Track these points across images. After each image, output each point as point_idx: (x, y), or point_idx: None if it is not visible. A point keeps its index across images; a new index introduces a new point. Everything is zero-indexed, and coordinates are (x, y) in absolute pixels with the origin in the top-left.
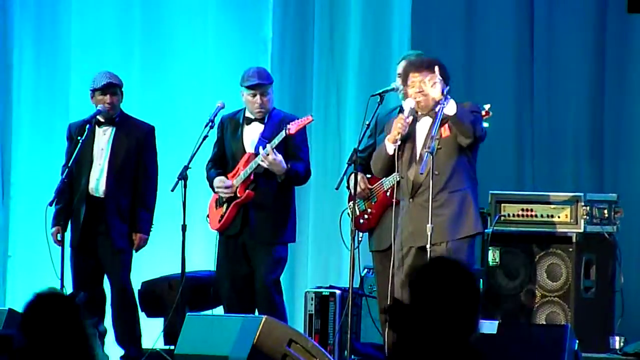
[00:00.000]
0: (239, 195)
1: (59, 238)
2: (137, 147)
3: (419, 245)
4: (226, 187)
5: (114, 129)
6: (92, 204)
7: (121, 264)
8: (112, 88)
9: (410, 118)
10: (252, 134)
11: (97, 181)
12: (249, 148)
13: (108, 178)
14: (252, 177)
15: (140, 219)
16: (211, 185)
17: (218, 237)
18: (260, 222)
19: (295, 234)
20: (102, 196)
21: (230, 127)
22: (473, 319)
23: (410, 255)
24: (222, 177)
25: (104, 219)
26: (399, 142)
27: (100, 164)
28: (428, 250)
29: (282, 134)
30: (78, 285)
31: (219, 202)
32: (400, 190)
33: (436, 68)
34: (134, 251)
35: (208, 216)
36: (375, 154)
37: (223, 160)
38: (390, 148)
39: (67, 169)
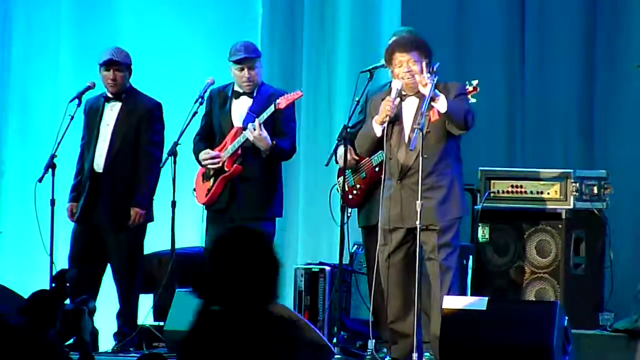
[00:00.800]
0: (226, 169)
1: (73, 212)
2: (138, 122)
3: (408, 226)
4: (212, 158)
5: (121, 104)
6: (94, 179)
7: (118, 241)
8: (114, 65)
9: (398, 99)
10: (240, 107)
11: (100, 157)
12: (237, 122)
13: (108, 153)
14: (239, 151)
15: (137, 194)
16: (197, 160)
17: (205, 211)
18: (247, 197)
19: (282, 208)
20: (102, 171)
21: (218, 101)
22: (271, 287)
23: (397, 234)
24: (207, 150)
25: (103, 194)
26: (386, 124)
27: (105, 140)
28: (418, 228)
29: (271, 108)
30: (73, 260)
31: (205, 176)
32: (387, 170)
33: (424, 65)
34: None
35: (194, 190)
36: (360, 134)
37: (211, 133)
38: (378, 130)
39: (80, 146)
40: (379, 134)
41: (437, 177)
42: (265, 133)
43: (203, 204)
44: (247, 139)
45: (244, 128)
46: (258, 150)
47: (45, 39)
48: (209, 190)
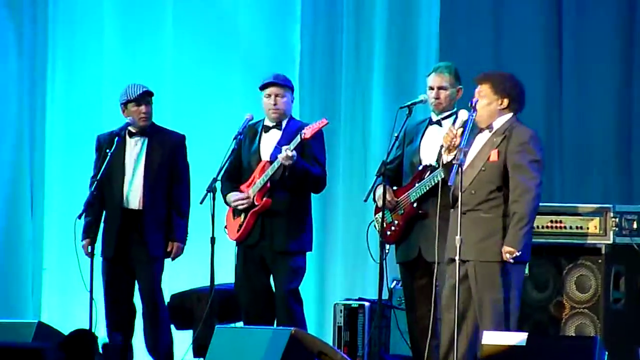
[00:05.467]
0: (256, 203)
1: (89, 250)
2: (170, 156)
3: (450, 257)
4: (243, 199)
5: (146, 139)
6: (127, 215)
7: (154, 273)
8: (148, 97)
9: (460, 129)
10: (269, 142)
11: (131, 192)
12: (265, 156)
13: (145, 189)
14: (268, 184)
15: (176, 227)
16: (225, 201)
17: (236, 247)
18: (277, 232)
19: (312, 243)
20: (138, 208)
21: (249, 135)
22: None
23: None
24: (235, 192)
25: (140, 229)
26: (453, 152)
27: (134, 175)
28: (457, 261)
29: (298, 138)
30: (109, 298)
31: (236, 212)
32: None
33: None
34: (168, 261)
35: (226, 227)
36: None
37: (239, 170)
38: (445, 157)
39: (96, 181)
40: (445, 160)
41: (482, 215)
42: (295, 154)
43: (235, 239)
44: (275, 172)
45: (272, 162)
46: (286, 183)
47: (88, 76)
48: (240, 225)
